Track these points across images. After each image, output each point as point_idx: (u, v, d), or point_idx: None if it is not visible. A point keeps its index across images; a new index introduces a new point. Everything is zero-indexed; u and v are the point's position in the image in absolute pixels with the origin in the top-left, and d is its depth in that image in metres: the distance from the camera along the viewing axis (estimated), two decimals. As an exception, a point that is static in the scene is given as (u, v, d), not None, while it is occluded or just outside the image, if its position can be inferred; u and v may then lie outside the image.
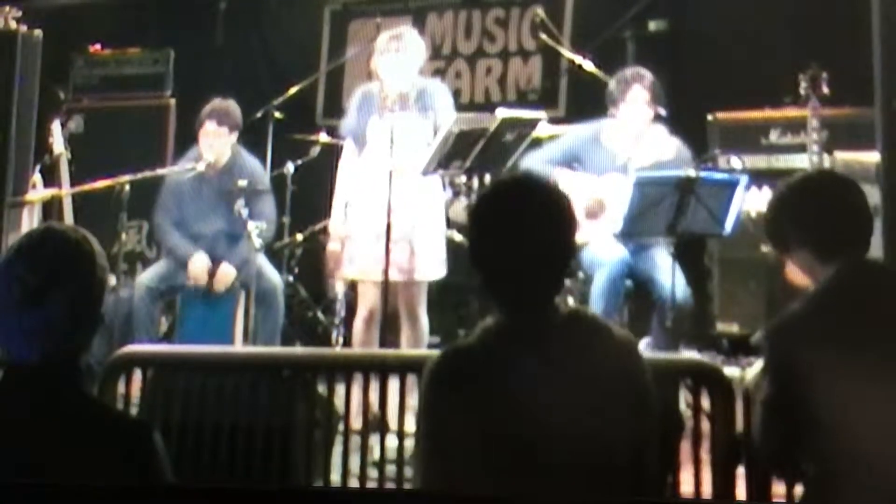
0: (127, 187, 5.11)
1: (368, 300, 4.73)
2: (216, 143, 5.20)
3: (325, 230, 5.37)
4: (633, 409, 2.17)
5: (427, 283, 4.78)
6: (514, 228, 2.22)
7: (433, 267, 4.75)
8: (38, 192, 5.29)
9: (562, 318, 2.22)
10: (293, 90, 5.93)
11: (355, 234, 4.74)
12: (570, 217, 2.26)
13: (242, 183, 5.03)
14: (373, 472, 3.20)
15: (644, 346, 4.43)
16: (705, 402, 2.91)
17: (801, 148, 5.27)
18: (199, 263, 5.15)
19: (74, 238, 2.10)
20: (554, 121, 5.45)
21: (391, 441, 3.19)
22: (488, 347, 2.19)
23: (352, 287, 5.14)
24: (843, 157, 5.06)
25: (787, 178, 2.73)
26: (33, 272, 2.02)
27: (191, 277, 5.16)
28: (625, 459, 2.13)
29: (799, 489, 2.61)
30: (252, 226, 4.95)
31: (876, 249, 2.92)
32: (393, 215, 4.48)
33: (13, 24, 4.74)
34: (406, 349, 4.58)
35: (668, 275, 4.48)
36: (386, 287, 4.52)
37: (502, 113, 4.63)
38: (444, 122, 4.56)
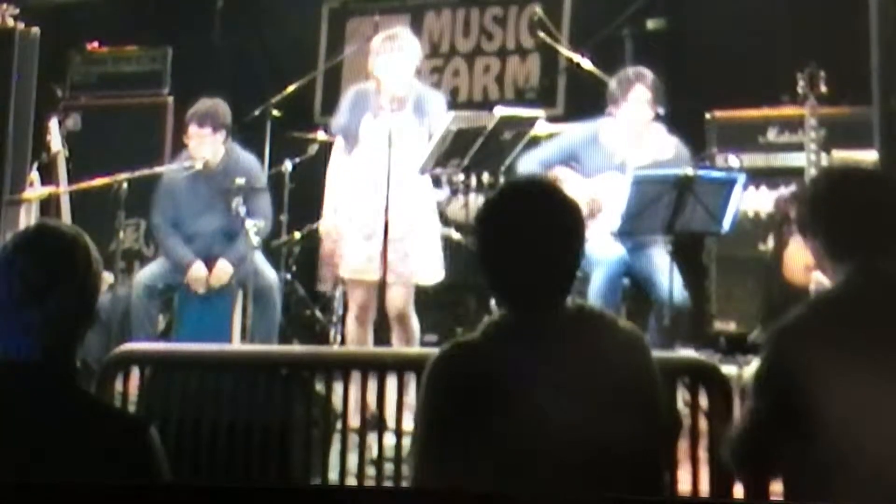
0: (125, 185, 5.11)
1: (358, 299, 4.73)
2: (201, 145, 5.19)
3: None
4: (640, 404, 2.16)
5: (414, 286, 4.72)
6: (523, 233, 2.20)
7: (430, 270, 4.71)
8: (35, 191, 5.27)
9: (567, 313, 2.20)
10: (291, 88, 5.92)
11: (347, 234, 4.72)
12: (580, 221, 2.25)
13: (240, 181, 5.03)
14: (371, 471, 3.20)
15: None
16: (703, 401, 2.91)
17: (799, 147, 5.26)
18: (198, 272, 5.14)
19: (70, 234, 2.12)
20: (552, 119, 5.43)
21: (389, 439, 3.19)
22: (493, 342, 2.17)
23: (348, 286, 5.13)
24: (841, 155, 5.05)
25: (831, 167, 2.59)
26: (35, 268, 2.02)
27: (190, 284, 5.15)
28: (632, 455, 2.10)
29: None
30: (250, 224, 4.94)
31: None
32: (388, 216, 4.46)
33: (10, 22, 4.73)
34: (404, 348, 4.58)
35: (666, 273, 4.48)
36: (383, 286, 4.51)
37: (500, 111, 4.63)
38: (438, 130, 4.52)
